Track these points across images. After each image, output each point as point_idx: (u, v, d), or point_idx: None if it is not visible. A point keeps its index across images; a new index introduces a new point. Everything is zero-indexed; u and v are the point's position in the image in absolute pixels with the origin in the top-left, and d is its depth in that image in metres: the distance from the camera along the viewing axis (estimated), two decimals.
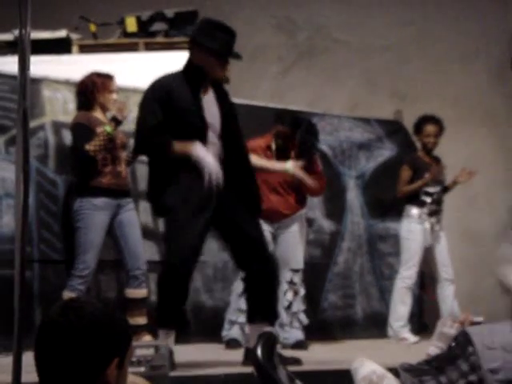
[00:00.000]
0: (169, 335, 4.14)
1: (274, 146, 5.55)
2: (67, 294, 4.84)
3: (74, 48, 6.50)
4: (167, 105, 4.20)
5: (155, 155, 4.30)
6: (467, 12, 8.56)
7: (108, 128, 4.97)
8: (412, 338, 6.23)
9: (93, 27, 6.73)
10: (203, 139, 4.22)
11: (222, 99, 4.42)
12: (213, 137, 4.29)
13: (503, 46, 8.61)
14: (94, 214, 5.01)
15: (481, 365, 2.54)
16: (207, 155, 4.17)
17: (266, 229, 5.54)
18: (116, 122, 5.01)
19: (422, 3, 8.67)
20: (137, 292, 5.17)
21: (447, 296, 6.39)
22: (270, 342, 2.45)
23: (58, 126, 5.54)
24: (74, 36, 6.59)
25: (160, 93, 4.27)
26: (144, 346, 3.98)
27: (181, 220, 4.13)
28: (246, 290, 4.39)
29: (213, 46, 4.25)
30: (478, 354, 2.56)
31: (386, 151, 7.04)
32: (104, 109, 5.18)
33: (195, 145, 4.19)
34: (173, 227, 4.22)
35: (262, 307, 4.22)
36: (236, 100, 6.43)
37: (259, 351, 2.36)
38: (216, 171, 4.15)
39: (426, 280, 6.91)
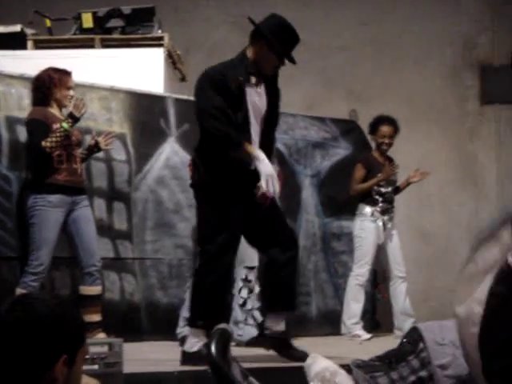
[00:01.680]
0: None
1: None
2: (20, 291, 4.79)
3: (29, 43, 6.44)
4: (221, 92, 4.18)
5: (222, 146, 4.21)
6: (421, 14, 8.68)
7: (65, 125, 4.94)
8: (365, 334, 6.30)
9: (48, 22, 6.68)
10: (246, 132, 4.23)
11: (272, 96, 4.41)
12: (255, 132, 4.30)
13: (456, 47, 8.75)
14: (49, 210, 4.98)
15: (431, 360, 2.58)
16: (268, 163, 4.17)
17: None
18: (73, 119, 4.98)
19: (378, 4, 8.76)
20: (91, 289, 5.16)
21: (399, 293, 6.47)
22: (223, 338, 2.45)
23: (12, 122, 5.48)
24: (29, 31, 6.52)
25: (215, 81, 4.23)
26: (98, 344, 3.95)
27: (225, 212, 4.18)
28: (269, 278, 4.46)
29: (277, 44, 4.26)
30: (429, 350, 2.61)
31: (341, 150, 7.10)
32: (60, 105, 5.14)
33: (257, 149, 4.21)
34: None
35: (285, 296, 4.37)
36: (193, 98, 6.47)
37: (213, 347, 2.37)
38: (273, 179, 4.17)
39: (379, 278, 6.99)
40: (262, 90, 4.36)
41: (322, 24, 8.73)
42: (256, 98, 4.31)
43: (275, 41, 4.28)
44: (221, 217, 4.20)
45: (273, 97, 4.43)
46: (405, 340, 2.73)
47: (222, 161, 4.20)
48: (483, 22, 8.79)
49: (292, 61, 4.40)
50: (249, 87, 4.27)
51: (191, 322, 4.38)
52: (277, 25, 4.38)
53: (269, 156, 4.29)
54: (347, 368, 2.80)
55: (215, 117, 4.15)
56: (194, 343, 4.24)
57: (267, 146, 4.38)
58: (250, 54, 4.35)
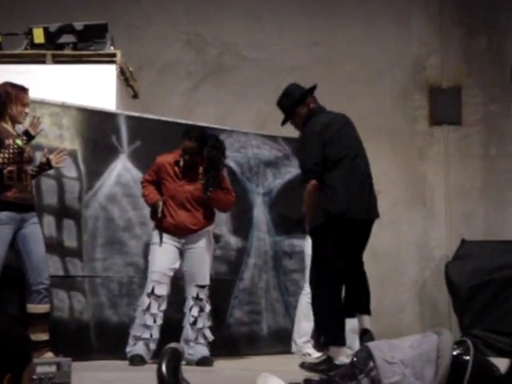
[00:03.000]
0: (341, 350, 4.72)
1: (181, 162, 5.55)
2: None
3: None
4: None
5: None
6: (372, 36, 8.81)
7: (19, 142, 4.88)
8: (315, 353, 6.31)
9: None
10: None
11: None
12: None
13: (406, 69, 8.90)
14: None
15: (381, 379, 2.61)
16: None
17: (173, 244, 5.55)
18: (28, 136, 4.93)
19: (330, 25, 8.87)
20: (39, 307, 5.07)
21: None
22: (175, 357, 2.45)
23: None
24: None
25: None
26: (46, 363, 3.89)
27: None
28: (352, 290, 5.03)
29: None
30: (378, 368, 2.63)
31: (293, 169, 7.13)
32: (14, 121, 5.08)
33: None
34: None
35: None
36: (145, 115, 6.46)
37: (164, 367, 2.36)
38: None
39: None
40: None
41: (274, 43, 8.81)
42: None
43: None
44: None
45: None
46: (355, 359, 2.76)
47: None
48: (432, 44, 8.96)
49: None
50: None
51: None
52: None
53: None
54: None
55: None
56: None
57: None
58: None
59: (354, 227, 4.84)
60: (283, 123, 5.18)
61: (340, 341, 4.75)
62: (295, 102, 5.02)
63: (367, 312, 5.00)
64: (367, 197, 4.93)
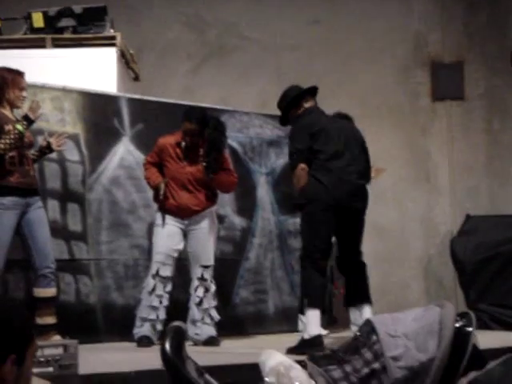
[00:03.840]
0: (317, 316, 4.84)
1: (183, 144, 5.56)
2: None
3: None
4: None
5: None
6: (373, 12, 8.77)
7: (19, 127, 4.88)
8: (321, 331, 6.32)
9: None
10: None
11: None
12: None
13: (407, 45, 8.87)
14: (2, 213, 4.91)
15: (384, 352, 2.62)
16: None
17: (177, 225, 5.56)
18: (28, 121, 4.92)
19: (330, 3, 8.83)
20: (46, 291, 5.10)
21: None
22: (178, 336, 2.46)
23: None
24: None
25: None
26: (52, 346, 3.92)
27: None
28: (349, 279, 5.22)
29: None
30: (381, 342, 2.64)
31: None
32: (12, 106, 5.08)
33: None
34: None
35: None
36: (147, 97, 6.45)
37: (167, 345, 2.37)
38: None
39: (335, 274, 7.03)
40: None
41: (275, 23, 8.78)
42: None
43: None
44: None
45: None
46: (358, 333, 2.77)
47: None
48: (433, 20, 8.91)
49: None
50: None
51: None
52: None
53: None
54: (303, 364, 2.83)
55: None
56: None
57: None
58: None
59: (337, 213, 4.96)
60: (283, 124, 5.47)
61: (315, 304, 4.90)
62: (289, 104, 5.20)
63: (368, 301, 5.10)
64: (349, 186, 5.03)
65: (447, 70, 8.80)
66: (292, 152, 5.09)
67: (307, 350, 4.43)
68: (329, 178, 4.97)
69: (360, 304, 5.08)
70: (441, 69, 8.81)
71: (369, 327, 2.72)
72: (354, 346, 2.71)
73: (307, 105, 5.21)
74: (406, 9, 8.87)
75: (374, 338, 2.66)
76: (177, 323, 2.56)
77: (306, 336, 4.85)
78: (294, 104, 5.20)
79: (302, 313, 5.68)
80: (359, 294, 5.13)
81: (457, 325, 2.65)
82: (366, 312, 5.01)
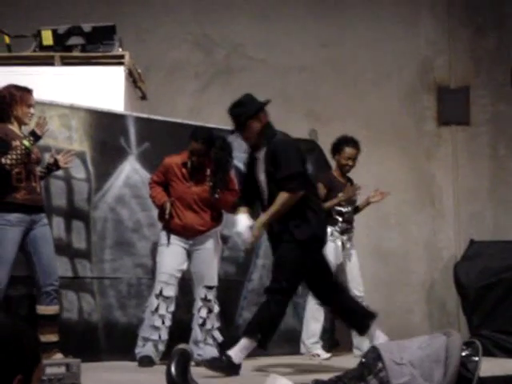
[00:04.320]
0: (253, 345, 4.78)
1: (189, 164, 5.57)
2: None
3: None
4: None
5: None
6: (381, 36, 8.80)
7: (26, 142, 4.90)
8: (324, 354, 6.31)
9: (7, 39, 6.62)
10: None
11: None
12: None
13: (414, 69, 8.89)
14: (7, 229, 4.91)
15: (389, 380, 2.61)
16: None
17: (181, 245, 5.56)
18: (35, 137, 4.95)
19: (338, 25, 8.86)
20: (49, 309, 5.09)
21: None
22: (183, 358, 2.45)
23: None
24: None
25: None
26: (55, 364, 3.91)
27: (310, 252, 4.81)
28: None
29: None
30: (387, 369, 2.63)
31: None
32: (20, 122, 5.10)
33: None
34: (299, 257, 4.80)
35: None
36: (154, 116, 6.47)
37: (173, 368, 2.36)
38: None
39: None
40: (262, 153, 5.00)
41: (282, 44, 8.81)
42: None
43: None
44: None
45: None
46: (364, 360, 2.76)
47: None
48: (440, 44, 8.94)
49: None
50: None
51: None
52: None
53: None
54: None
55: None
56: None
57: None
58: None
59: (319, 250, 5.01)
60: (233, 132, 5.12)
61: (257, 339, 4.81)
62: (249, 116, 4.93)
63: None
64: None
65: (453, 95, 8.82)
66: (293, 175, 4.81)
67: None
68: (322, 215, 5.04)
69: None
70: (447, 93, 8.83)
71: (374, 354, 2.71)
72: (360, 373, 2.70)
73: (265, 120, 5.03)
74: (412, 33, 8.91)
75: (380, 365, 2.65)
76: (182, 346, 2.55)
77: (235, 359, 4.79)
78: (254, 117, 4.97)
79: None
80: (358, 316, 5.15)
81: (463, 354, 2.64)
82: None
